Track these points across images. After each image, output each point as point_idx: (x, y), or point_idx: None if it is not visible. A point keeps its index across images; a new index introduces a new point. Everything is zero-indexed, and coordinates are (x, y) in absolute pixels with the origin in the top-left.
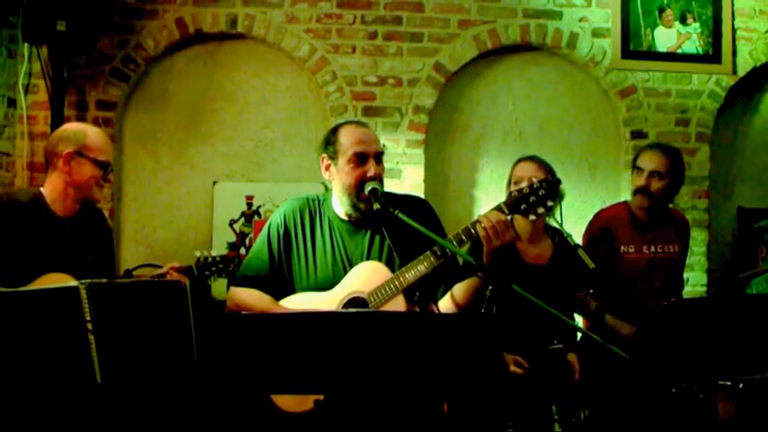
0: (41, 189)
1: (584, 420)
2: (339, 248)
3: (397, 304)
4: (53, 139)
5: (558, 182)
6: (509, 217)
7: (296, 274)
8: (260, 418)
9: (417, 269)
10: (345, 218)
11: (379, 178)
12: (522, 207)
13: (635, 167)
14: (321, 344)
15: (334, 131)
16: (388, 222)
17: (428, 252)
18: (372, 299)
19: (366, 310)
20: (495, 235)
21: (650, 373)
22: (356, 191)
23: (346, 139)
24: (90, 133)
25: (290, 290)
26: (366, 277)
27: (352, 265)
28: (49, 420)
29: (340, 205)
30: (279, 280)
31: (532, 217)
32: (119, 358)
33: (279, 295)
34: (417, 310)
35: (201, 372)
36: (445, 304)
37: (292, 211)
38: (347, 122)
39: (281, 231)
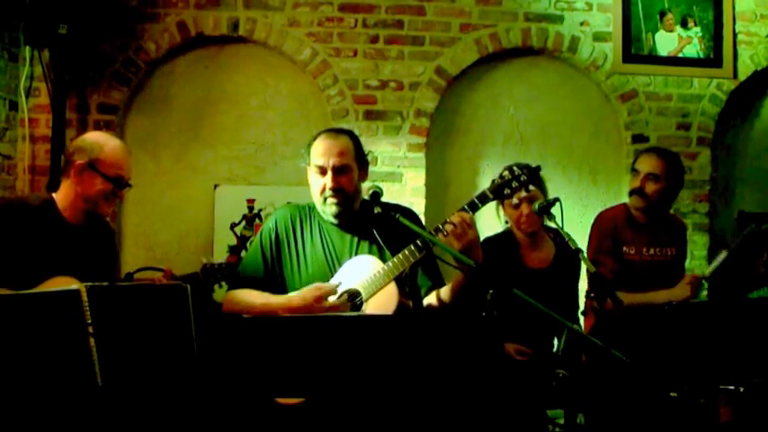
0: (54, 195)
1: (583, 424)
2: (329, 250)
3: (389, 291)
4: (71, 146)
5: (539, 168)
6: (472, 214)
7: (288, 276)
8: (254, 409)
9: (404, 254)
10: (334, 221)
11: (335, 189)
12: (505, 192)
13: (633, 170)
14: (318, 345)
15: (312, 140)
16: (377, 225)
17: (411, 245)
18: (364, 288)
19: (363, 314)
20: (457, 236)
21: (651, 377)
22: (319, 199)
23: (313, 150)
24: (107, 147)
25: (284, 291)
26: (357, 269)
27: (341, 265)
28: (49, 423)
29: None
30: (273, 281)
31: (515, 200)
32: (119, 361)
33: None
34: (408, 300)
35: (202, 374)
36: (430, 302)
37: (283, 217)
38: (321, 133)
39: (273, 236)
